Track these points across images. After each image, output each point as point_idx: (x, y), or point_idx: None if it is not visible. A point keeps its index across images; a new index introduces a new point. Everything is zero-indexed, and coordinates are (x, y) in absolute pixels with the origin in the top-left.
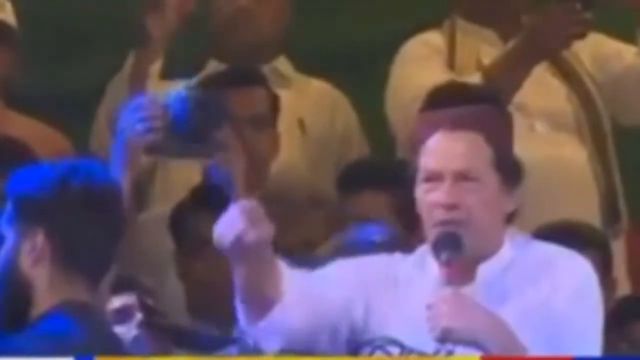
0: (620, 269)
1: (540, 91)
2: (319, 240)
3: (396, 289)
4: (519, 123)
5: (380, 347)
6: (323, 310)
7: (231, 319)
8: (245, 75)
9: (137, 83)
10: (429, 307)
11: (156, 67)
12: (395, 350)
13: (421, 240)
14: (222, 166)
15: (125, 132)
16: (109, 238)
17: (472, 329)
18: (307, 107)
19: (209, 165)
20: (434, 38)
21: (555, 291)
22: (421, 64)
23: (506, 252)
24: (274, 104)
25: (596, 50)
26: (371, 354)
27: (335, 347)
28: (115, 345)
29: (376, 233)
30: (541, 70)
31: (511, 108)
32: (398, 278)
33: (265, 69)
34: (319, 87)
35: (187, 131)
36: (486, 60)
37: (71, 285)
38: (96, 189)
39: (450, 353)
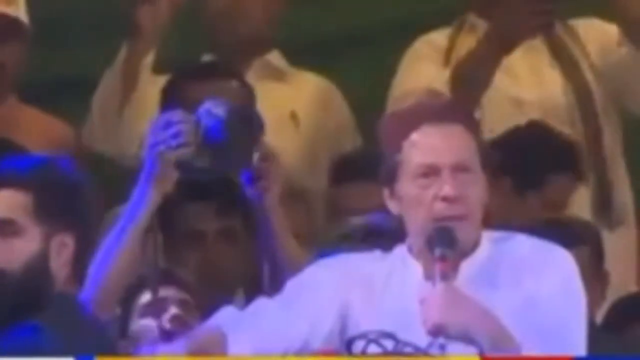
0: (629, 267)
1: (535, 82)
2: (301, 233)
3: (372, 289)
4: (509, 113)
5: (374, 341)
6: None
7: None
8: (220, 68)
9: (130, 76)
10: (422, 301)
11: (149, 59)
12: (389, 344)
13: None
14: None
15: (157, 147)
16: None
17: (465, 323)
18: (300, 100)
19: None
20: (437, 37)
21: (538, 284)
22: (420, 63)
23: (484, 247)
24: (249, 97)
25: (606, 40)
26: (365, 347)
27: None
28: (106, 341)
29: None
30: (538, 61)
31: (503, 99)
32: (373, 278)
33: (259, 62)
34: (312, 81)
35: (218, 146)
36: None
37: (75, 282)
38: (89, 187)
39: (442, 348)
